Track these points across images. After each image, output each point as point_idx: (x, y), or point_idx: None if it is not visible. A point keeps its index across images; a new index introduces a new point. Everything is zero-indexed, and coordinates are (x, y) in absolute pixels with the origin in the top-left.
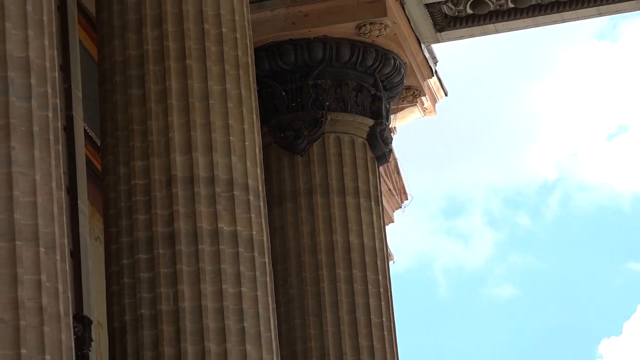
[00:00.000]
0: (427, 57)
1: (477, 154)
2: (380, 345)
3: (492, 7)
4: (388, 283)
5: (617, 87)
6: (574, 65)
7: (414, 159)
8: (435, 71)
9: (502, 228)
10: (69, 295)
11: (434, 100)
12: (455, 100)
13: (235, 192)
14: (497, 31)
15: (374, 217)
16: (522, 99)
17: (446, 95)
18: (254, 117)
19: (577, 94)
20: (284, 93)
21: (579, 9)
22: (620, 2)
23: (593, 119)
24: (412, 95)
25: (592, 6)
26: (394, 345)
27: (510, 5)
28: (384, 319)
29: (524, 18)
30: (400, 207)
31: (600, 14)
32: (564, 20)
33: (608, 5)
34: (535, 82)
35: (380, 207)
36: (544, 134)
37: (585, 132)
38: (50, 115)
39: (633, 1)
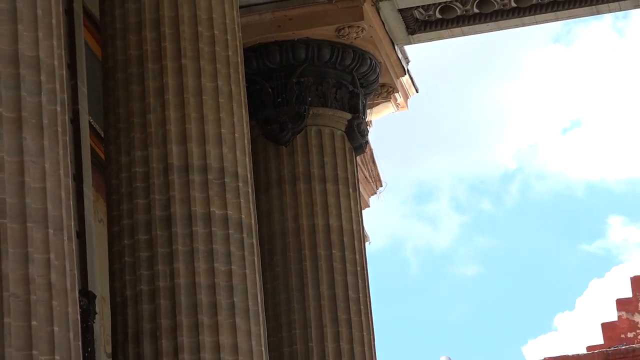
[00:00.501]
0: (400, 57)
1: (445, 145)
2: (357, 318)
3: (459, 12)
4: (364, 262)
5: (570, 86)
6: (533, 66)
7: (388, 150)
8: (408, 70)
9: (467, 212)
10: (75, 273)
11: (406, 97)
12: (426, 97)
13: (226, 179)
14: (463, 34)
15: (352, 202)
16: (486, 96)
17: (417, 92)
18: (243, 111)
19: (535, 92)
20: (270, 90)
21: (538, 14)
22: (574, 8)
23: (549, 115)
24: (387, 91)
25: (549, 11)
26: (370, 318)
27: (476, 10)
28: (360, 295)
29: (487, 22)
30: (376, 193)
31: (557, 19)
32: (524, 24)
33: (564, 11)
34: (498, 81)
35: (357, 193)
36: (505, 128)
37: (542, 127)
38: (58, 109)
39: (586, 7)
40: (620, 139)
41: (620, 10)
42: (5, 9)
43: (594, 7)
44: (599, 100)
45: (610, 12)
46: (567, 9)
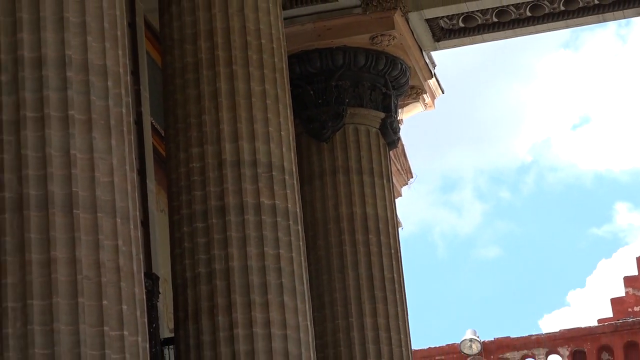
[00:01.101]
0: (427, 62)
1: (468, 140)
2: (392, 296)
3: (479, 21)
4: (397, 245)
5: (579, 87)
6: (545, 69)
7: (418, 145)
8: (434, 73)
9: (488, 201)
10: (141, 257)
11: (433, 97)
12: (451, 97)
13: (273, 173)
14: (484, 40)
15: (386, 192)
16: (504, 96)
17: (443, 92)
18: (288, 111)
19: (548, 93)
20: (312, 92)
21: (550, 22)
22: (582, 16)
23: (560, 113)
24: (416, 93)
25: (560, 20)
26: (403, 295)
27: (495, 19)
28: (394, 275)
29: (505, 30)
30: (407, 184)
31: (567, 26)
32: (537, 32)
33: (573, 19)
34: (514, 83)
35: (391, 184)
36: (521, 125)
37: (554, 123)
38: (124, 111)
39: (593, 16)
40: (625, 133)
41: (624, 18)
42: (77, 23)
43: (600, 15)
44: (604, 99)
45: (615, 20)
46: (576, 18)
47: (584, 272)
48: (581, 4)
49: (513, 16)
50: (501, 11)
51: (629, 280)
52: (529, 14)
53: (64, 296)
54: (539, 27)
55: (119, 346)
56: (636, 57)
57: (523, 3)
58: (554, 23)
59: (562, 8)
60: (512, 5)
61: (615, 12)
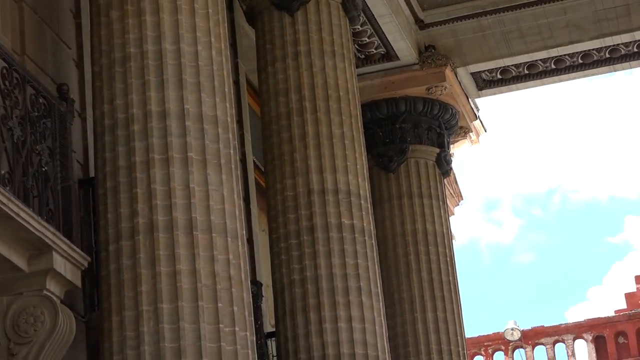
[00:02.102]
0: (472, 107)
1: (507, 169)
2: (448, 295)
3: (514, 74)
4: (452, 254)
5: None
6: (565, 109)
7: (466, 173)
8: (478, 116)
9: (523, 217)
10: (247, 268)
11: (477, 135)
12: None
13: (351, 198)
14: (517, 89)
15: (441, 212)
16: (536, 133)
17: (485, 131)
18: (362, 149)
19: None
20: (380, 133)
21: (570, 73)
22: (597, 67)
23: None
24: (464, 132)
25: (579, 71)
26: (457, 295)
27: (526, 72)
28: (450, 278)
29: (534, 80)
30: (458, 205)
31: (584, 76)
32: (560, 81)
33: (590, 70)
34: (543, 121)
35: (445, 205)
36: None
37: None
38: (231, 152)
39: (605, 67)
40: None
41: (630, 68)
42: (193, 82)
43: (611, 66)
44: (613, 135)
45: (623, 70)
46: (592, 69)
47: (601, 272)
48: (595, 58)
49: (540, 68)
50: (531, 65)
51: (639, 278)
52: (553, 66)
53: (187, 300)
54: (562, 77)
55: (232, 339)
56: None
57: (549, 58)
58: (573, 73)
59: (580, 61)
60: (540, 60)
61: (623, 64)
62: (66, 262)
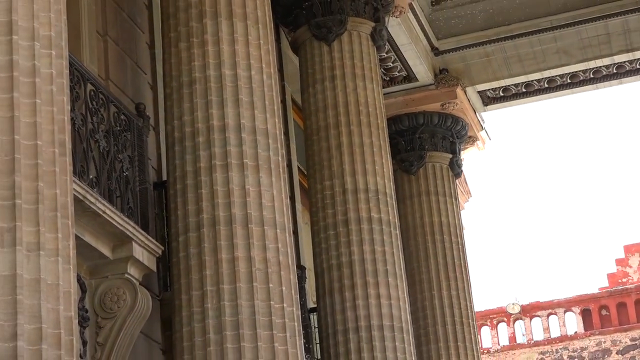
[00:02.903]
0: (479, 119)
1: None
2: (460, 276)
3: (513, 92)
4: (463, 242)
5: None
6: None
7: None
8: (484, 127)
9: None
10: (293, 255)
11: (483, 142)
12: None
13: (379, 196)
14: (517, 104)
15: (454, 207)
16: (535, 141)
17: (490, 139)
18: (388, 155)
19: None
20: (403, 142)
21: (561, 91)
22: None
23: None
24: (472, 140)
25: (567, 89)
26: (468, 275)
27: (524, 90)
28: (461, 262)
29: (530, 97)
30: (467, 201)
31: (572, 93)
32: (550, 98)
33: (577, 88)
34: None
35: (457, 201)
36: (547, 160)
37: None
38: (279, 159)
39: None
40: None
41: (611, 86)
42: (247, 101)
43: (595, 85)
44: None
45: (605, 88)
46: (577, 87)
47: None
48: (581, 78)
49: (536, 87)
50: (528, 84)
51: (619, 262)
52: (546, 85)
53: (244, 282)
54: (553, 94)
55: (281, 314)
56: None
57: (542, 78)
58: (563, 91)
59: (569, 81)
60: (535, 80)
61: (604, 83)
62: (143, 250)
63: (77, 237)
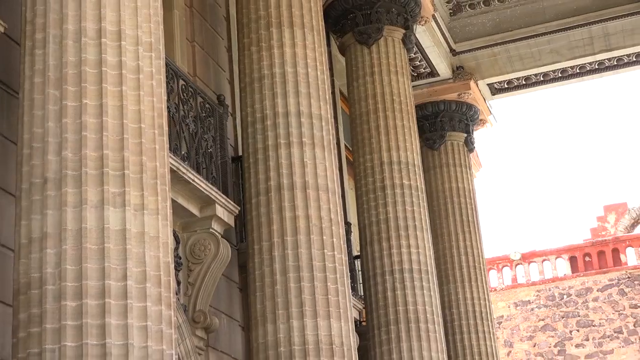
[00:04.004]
0: (488, 106)
1: (511, 145)
2: (473, 229)
3: (516, 84)
4: (475, 203)
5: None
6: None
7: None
8: (491, 112)
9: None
10: (342, 213)
11: (491, 124)
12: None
13: (409, 167)
14: (519, 94)
15: (468, 175)
16: (535, 122)
17: (496, 122)
18: (416, 135)
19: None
20: (427, 124)
21: (558, 82)
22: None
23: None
24: (482, 122)
25: (564, 80)
26: (478, 230)
27: (523, 82)
28: (474, 218)
29: (530, 87)
30: (479, 171)
31: (578, 81)
32: (548, 88)
33: (575, 78)
34: (540, 115)
35: (471, 170)
36: (543, 138)
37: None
38: (330, 138)
39: (599, 73)
40: None
41: (594, 79)
42: (305, 92)
43: (580, 78)
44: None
45: (589, 81)
46: (567, 80)
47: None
48: (570, 72)
49: (533, 80)
50: (527, 77)
51: (599, 219)
52: (542, 79)
53: (303, 234)
54: (548, 85)
55: (332, 260)
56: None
57: (539, 73)
58: (555, 83)
59: (560, 75)
60: (533, 74)
61: (589, 76)
62: (224, 210)
63: (172, 200)
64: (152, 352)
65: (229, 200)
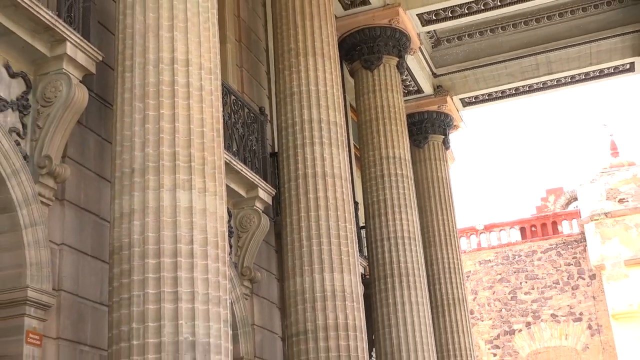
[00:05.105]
0: (460, 115)
1: (477, 144)
2: (448, 208)
3: (481, 99)
4: (450, 188)
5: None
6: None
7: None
8: (462, 120)
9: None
10: (351, 194)
11: (462, 129)
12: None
13: (401, 161)
14: (483, 106)
15: (446, 166)
16: (495, 128)
17: (466, 126)
18: (407, 136)
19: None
20: (415, 129)
21: (507, 98)
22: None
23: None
24: (455, 127)
25: (539, 91)
26: (452, 208)
27: (487, 97)
28: (449, 199)
29: (491, 102)
30: (453, 163)
31: (544, 92)
32: (504, 102)
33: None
34: (495, 122)
35: (447, 163)
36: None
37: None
38: (343, 139)
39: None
40: None
41: (538, 95)
42: (324, 105)
43: (529, 94)
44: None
45: (537, 96)
46: (519, 96)
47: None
48: (521, 90)
49: (494, 96)
50: (489, 94)
51: (542, 199)
52: (500, 95)
53: (323, 210)
54: (506, 100)
55: (344, 228)
56: None
57: (498, 90)
58: (510, 98)
59: (514, 92)
60: (493, 91)
61: (537, 93)
62: (264, 192)
63: (226, 185)
64: (211, 297)
65: (268, 185)
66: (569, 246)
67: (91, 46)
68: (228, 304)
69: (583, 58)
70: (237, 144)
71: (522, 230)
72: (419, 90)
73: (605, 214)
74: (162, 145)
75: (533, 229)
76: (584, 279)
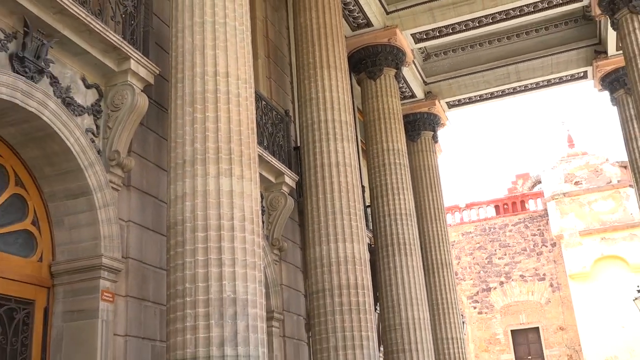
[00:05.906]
0: (446, 115)
1: (461, 138)
2: (437, 190)
3: (464, 101)
4: (438, 175)
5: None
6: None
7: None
8: (448, 119)
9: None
10: (359, 179)
11: (448, 126)
12: (454, 125)
13: (399, 152)
14: (466, 107)
15: (435, 157)
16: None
17: (451, 124)
18: (403, 132)
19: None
20: (410, 127)
21: (486, 101)
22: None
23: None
24: (442, 124)
25: (516, 93)
26: (440, 191)
27: (469, 101)
28: (437, 182)
29: (473, 104)
30: (441, 153)
31: (520, 95)
32: (484, 104)
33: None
34: (475, 120)
35: (435, 154)
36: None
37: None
38: (352, 135)
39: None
40: None
41: (515, 98)
42: (337, 108)
43: (501, 99)
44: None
45: (511, 98)
46: (495, 99)
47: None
48: (495, 94)
49: (474, 99)
50: (470, 97)
51: (513, 182)
52: (479, 98)
53: (336, 192)
54: (485, 103)
55: (353, 207)
56: None
57: (478, 94)
58: (488, 101)
59: (490, 96)
60: (475, 95)
61: (510, 97)
62: (289, 178)
63: (259, 173)
64: (249, 263)
65: (292, 172)
66: (534, 220)
67: (150, 62)
68: (262, 268)
69: (545, 68)
70: (267, 140)
71: (497, 207)
72: (413, 95)
73: (564, 194)
74: (207, 141)
75: (505, 206)
76: (546, 246)
